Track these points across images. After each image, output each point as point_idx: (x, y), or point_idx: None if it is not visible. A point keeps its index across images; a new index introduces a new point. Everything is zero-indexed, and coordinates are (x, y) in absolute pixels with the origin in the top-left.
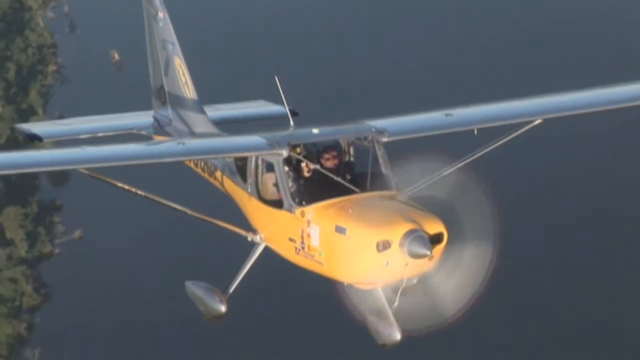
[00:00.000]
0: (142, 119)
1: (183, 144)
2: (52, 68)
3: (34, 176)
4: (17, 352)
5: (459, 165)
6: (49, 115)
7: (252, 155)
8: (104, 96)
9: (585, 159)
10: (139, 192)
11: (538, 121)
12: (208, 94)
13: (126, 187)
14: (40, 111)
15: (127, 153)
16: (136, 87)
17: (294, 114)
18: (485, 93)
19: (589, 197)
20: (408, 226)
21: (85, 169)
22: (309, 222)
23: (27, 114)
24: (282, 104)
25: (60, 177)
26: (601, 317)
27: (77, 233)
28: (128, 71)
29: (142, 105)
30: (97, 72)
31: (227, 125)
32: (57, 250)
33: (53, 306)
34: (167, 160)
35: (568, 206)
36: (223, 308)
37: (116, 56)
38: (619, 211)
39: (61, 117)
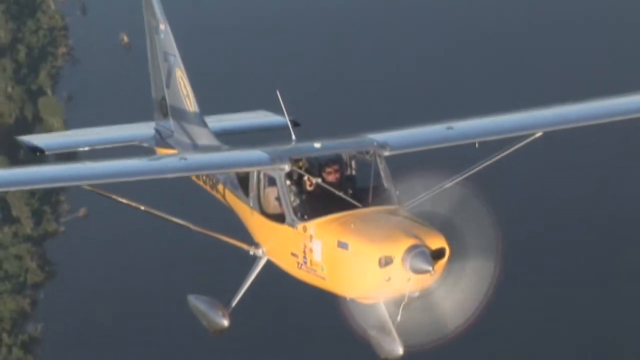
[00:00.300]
0: (143, 130)
1: (185, 159)
2: (62, 50)
3: (40, 155)
4: (21, 326)
5: (459, 179)
6: (58, 96)
7: (254, 170)
8: (113, 78)
9: (585, 170)
10: (142, 207)
11: (538, 134)
12: (209, 104)
13: (129, 202)
14: (49, 92)
15: (130, 169)
16: (144, 70)
17: (295, 124)
18: (486, 100)
19: (589, 207)
20: (410, 242)
21: (88, 185)
22: (311, 237)
23: (37, 95)
24: (283, 114)
25: (68, 156)
26: (602, 333)
27: (81, 211)
28: (137, 54)
29: (149, 88)
30: (107, 54)
31: (229, 137)
32: (62, 229)
33: (57, 283)
34: (170, 176)
35: (569, 217)
36: (225, 322)
37: (125, 39)
38: (620, 222)
39: (70, 98)
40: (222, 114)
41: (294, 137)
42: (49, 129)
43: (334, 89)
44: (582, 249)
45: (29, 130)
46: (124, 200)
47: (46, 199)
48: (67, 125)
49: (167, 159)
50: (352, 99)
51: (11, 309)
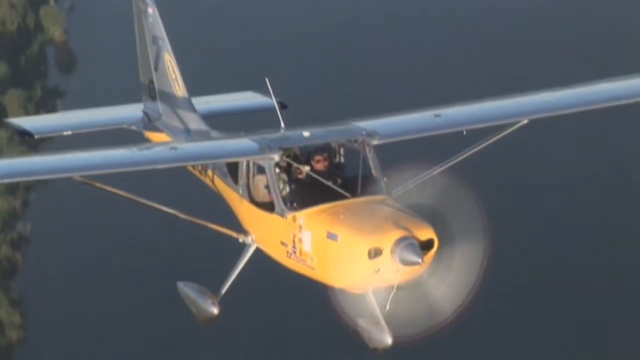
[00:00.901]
0: (132, 112)
1: (175, 149)
2: None
3: (42, 61)
4: (11, 226)
5: (445, 167)
6: (60, 6)
7: (243, 160)
8: None
9: (570, 157)
10: (130, 196)
11: (524, 121)
12: (197, 85)
13: (117, 191)
14: (51, 1)
15: (120, 160)
16: None
17: (282, 106)
18: (471, 85)
19: (575, 195)
20: (399, 233)
21: (80, 176)
22: (300, 227)
23: (39, 3)
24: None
25: (68, 64)
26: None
27: None
28: None
29: None
30: None
31: (217, 120)
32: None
33: (48, 186)
34: (160, 166)
35: (555, 204)
36: (215, 310)
37: None
38: (607, 208)
39: (71, 8)
40: (209, 95)
41: (282, 124)
42: (49, 38)
43: (322, 72)
44: (569, 235)
45: (30, 39)
46: (112, 190)
47: (43, 104)
48: (68, 34)
49: (158, 148)
50: (340, 83)
51: (2, 209)
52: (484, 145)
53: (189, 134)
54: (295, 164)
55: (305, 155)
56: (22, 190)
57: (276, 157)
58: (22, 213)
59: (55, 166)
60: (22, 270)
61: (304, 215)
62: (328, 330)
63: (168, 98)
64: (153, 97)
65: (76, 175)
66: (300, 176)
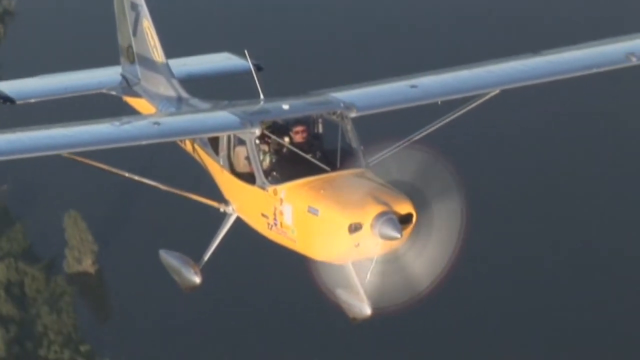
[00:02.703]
0: (110, 75)
1: (158, 124)
2: None
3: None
4: None
5: (417, 137)
6: None
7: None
8: None
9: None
10: (112, 169)
11: (497, 91)
12: (174, 46)
13: (102, 166)
14: None
15: (106, 137)
16: None
17: (258, 68)
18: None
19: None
20: (379, 208)
21: (66, 153)
22: (281, 200)
23: None
24: (246, 58)
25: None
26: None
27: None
28: None
29: None
30: None
31: (194, 83)
32: None
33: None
34: (144, 142)
35: (527, 176)
36: (197, 279)
37: None
38: (581, 180)
39: None
40: (186, 56)
41: (262, 95)
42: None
43: (298, 37)
44: (543, 209)
45: None
46: (97, 164)
47: None
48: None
49: (140, 123)
50: (315, 50)
51: None
52: (457, 114)
53: (168, 102)
54: (275, 138)
55: (284, 126)
56: None
57: (257, 132)
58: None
59: (41, 144)
60: None
61: (285, 189)
62: (308, 300)
63: (147, 63)
64: (132, 61)
65: (62, 153)
66: (280, 149)
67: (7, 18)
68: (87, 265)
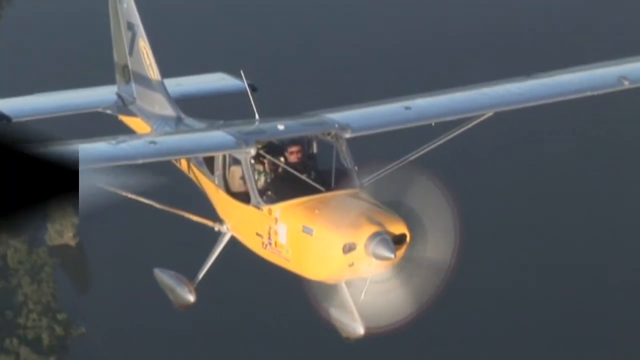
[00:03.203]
0: (106, 94)
1: (154, 143)
2: None
3: None
4: None
5: (411, 158)
6: None
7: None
8: None
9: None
10: (110, 188)
11: (490, 113)
12: (169, 63)
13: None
14: None
15: (102, 155)
16: None
17: (253, 89)
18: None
19: (540, 186)
20: (373, 229)
21: None
22: (276, 219)
23: None
24: (242, 78)
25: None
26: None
27: None
28: None
29: None
30: None
31: (188, 103)
32: None
33: None
34: (140, 161)
35: (520, 197)
36: (192, 298)
37: None
38: (573, 202)
39: None
40: (180, 76)
41: (257, 116)
42: None
43: (293, 58)
44: (537, 227)
45: None
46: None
47: None
48: None
49: (136, 142)
50: (311, 70)
51: None
52: (451, 136)
53: (164, 121)
54: (270, 158)
55: (279, 146)
56: None
57: (252, 152)
58: None
59: None
60: None
61: (279, 208)
62: (302, 318)
63: (142, 82)
64: (127, 80)
65: None
66: (275, 168)
67: None
68: (68, 238)
